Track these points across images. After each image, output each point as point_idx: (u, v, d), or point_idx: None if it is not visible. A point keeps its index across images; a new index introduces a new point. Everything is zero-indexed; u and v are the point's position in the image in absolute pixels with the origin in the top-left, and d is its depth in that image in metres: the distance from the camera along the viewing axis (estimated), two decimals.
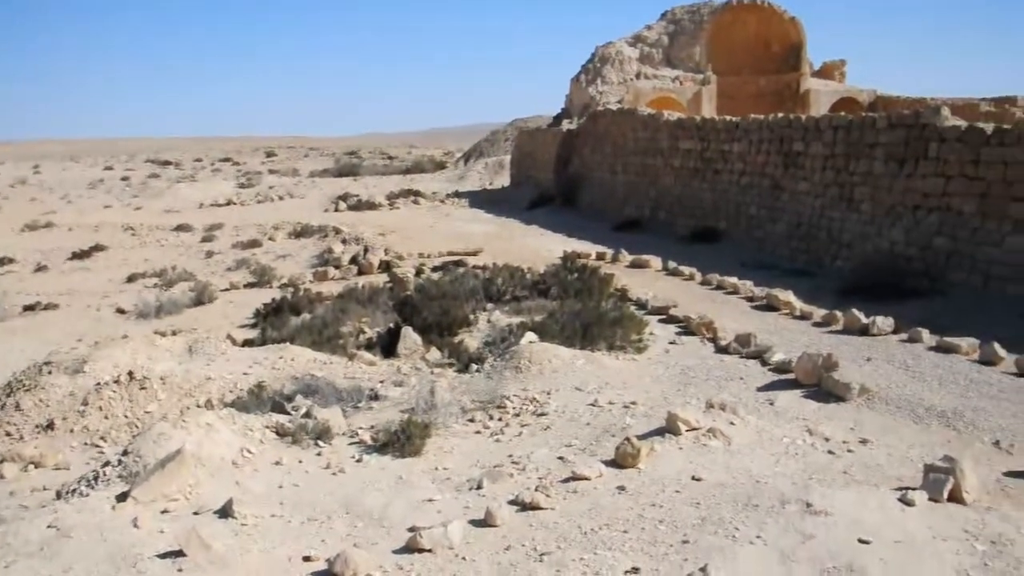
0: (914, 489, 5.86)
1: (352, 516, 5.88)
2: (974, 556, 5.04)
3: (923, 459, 6.50)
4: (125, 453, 6.64)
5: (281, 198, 37.14)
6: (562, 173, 30.37)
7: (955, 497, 5.81)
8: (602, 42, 38.62)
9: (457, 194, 35.45)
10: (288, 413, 8.12)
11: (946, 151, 14.21)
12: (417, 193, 34.63)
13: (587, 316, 10.86)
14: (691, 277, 15.60)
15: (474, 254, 19.28)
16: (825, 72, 39.56)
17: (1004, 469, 6.58)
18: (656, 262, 17.04)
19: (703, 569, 4.51)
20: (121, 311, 16.30)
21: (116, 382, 9.03)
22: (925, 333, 10.48)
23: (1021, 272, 12.51)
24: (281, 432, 7.38)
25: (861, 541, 5.15)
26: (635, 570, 4.95)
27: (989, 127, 13.80)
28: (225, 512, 5.74)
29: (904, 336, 10.63)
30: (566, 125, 33.47)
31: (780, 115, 19.82)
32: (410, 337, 11.30)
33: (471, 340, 11.27)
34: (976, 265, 13.28)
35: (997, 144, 13.33)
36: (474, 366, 10.00)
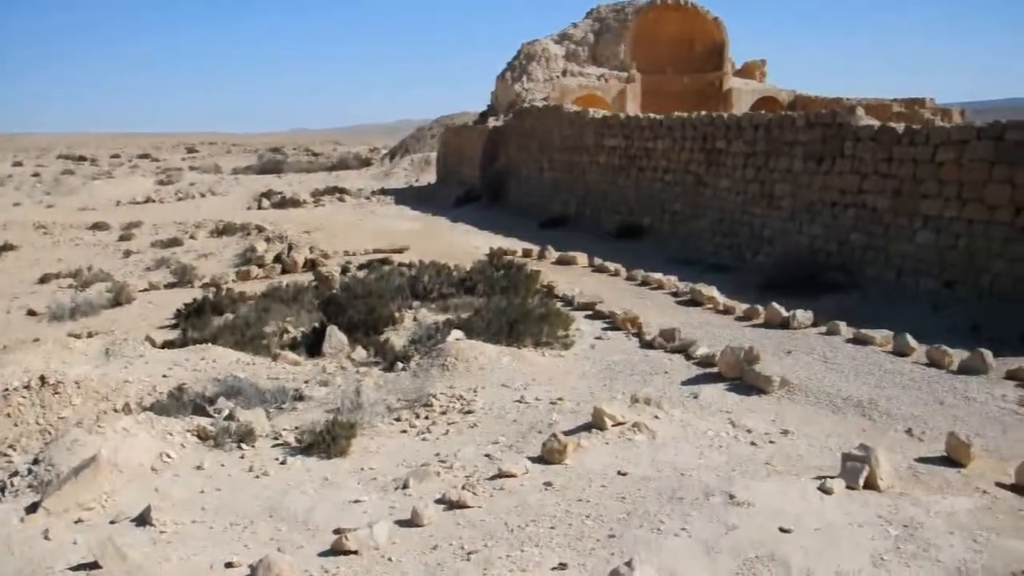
0: (832, 478, 6.02)
1: (276, 520, 5.77)
2: (888, 540, 5.20)
3: (841, 448, 6.67)
4: (36, 462, 6.40)
5: (202, 195, 36.38)
6: (488, 170, 30.39)
7: (871, 484, 5.99)
8: (528, 40, 38.78)
9: (383, 191, 35.20)
10: (210, 416, 7.94)
11: (861, 150, 14.63)
12: (343, 190, 34.29)
13: (513, 313, 10.87)
14: (617, 273, 15.76)
15: (400, 252, 19.15)
16: (746, 71, 40.40)
17: (916, 455, 6.81)
18: (582, 258, 17.18)
19: (628, 563, 4.55)
20: (33, 313, 15.76)
21: (27, 387, 8.68)
22: (843, 326, 10.78)
23: (931, 266, 12.96)
24: (203, 435, 7.21)
25: (782, 530, 5.26)
26: (562, 566, 4.97)
27: (900, 127, 14.24)
28: (143, 520, 5.57)
29: (823, 329, 10.91)
30: (492, 122, 33.49)
31: (703, 113, 20.14)
32: (335, 336, 11.16)
33: (397, 338, 11.19)
34: (890, 260, 13.71)
35: (908, 143, 13.76)
36: (400, 365, 9.93)
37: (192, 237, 23.99)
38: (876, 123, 14.94)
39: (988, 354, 9.12)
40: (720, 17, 38.25)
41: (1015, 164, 11.97)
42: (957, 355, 9.30)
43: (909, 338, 9.86)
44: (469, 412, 8.06)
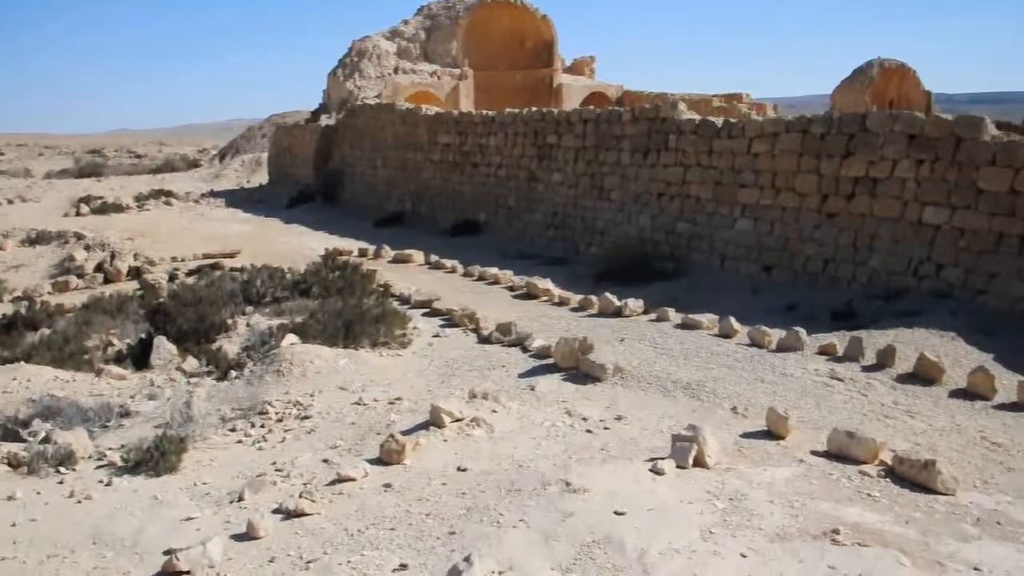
0: (664, 459, 6.28)
1: (100, 546, 5.45)
2: (715, 514, 5.47)
3: (672, 430, 6.95)
4: None
5: (11, 201, 33.77)
6: (322, 169, 29.82)
7: (699, 462, 6.29)
8: (359, 37, 38.30)
9: (213, 193, 33.87)
10: (24, 440, 7.42)
11: (684, 143, 15.29)
12: (169, 193, 32.72)
13: (349, 314, 10.72)
14: (454, 270, 15.83)
15: (232, 256, 18.50)
16: (576, 68, 41.43)
17: (740, 431, 7.21)
18: (419, 256, 17.14)
19: (467, 558, 4.58)
20: None
21: None
22: (671, 312, 11.23)
23: (750, 253, 13.72)
24: (14, 463, 6.72)
25: (617, 513, 5.43)
26: (403, 567, 4.95)
27: (719, 121, 14.99)
28: None
29: (653, 316, 11.33)
30: (325, 120, 32.88)
31: (534, 109, 20.50)
32: (164, 347, 10.67)
33: (230, 346, 10.80)
34: (714, 247, 14.41)
35: (727, 136, 14.50)
36: (234, 373, 9.61)
37: (0, 248, 22.30)
38: (697, 117, 15.67)
39: (802, 332, 9.74)
40: (549, 15, 39.04)
41: (820, 155, 12.83)
42: (776, 334, 9.88)
43: (732, 321, 10.40)
44: (306, 417, 7.90)
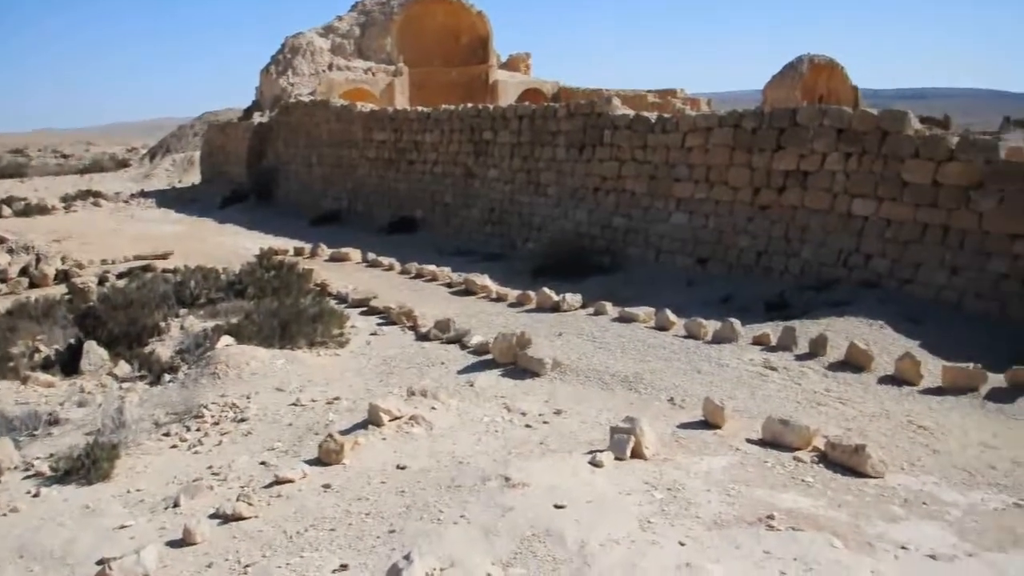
0: (602, 451, 6.32)
1: (28, 559, 5.27)
2: (653, 504, 5.53)
3: (610, 422, 7.00)
4: None
5: None
6: (256, 168, 29.38)
7: (637, 453, 6.35)
8: (292, 33, 37.80)
9: (143, 193, 33.15)
10: None
11: (619, 138, 15.43)
12: (98, 194, 31.92)
13: (285, 314, 10.58)
14: (391, 267, 15.74)
15: (164, 257, 18.09)
16: (512, 64, 41.48)
17: (678, 422, 7.30)
18: (356, 254, 17.00)
19: (407, 556, 4.56)
20: None
21: None
22: (609, 306, 11.33)
23: (685, 246, 13.91)
24: None
25: (557, 506, 5.45)
26: (343, 567, 4.90)
27: (653, 116, 15.16)
28: None
29: (591, 310, 11.41)
30: (258, 118, 32.39)
31: (470, 105, 20.49)
32: (94, 352, 10.40)
33: (163, 349, 10.58)
34: (649, 240, 14.57)
35: (660, 131, 14.67)
36: (167, 377, 9.40)
37: None
38: (631, 112, 15.82)
39: (737, 323, 9.91)
40: (484, 11, 39.01)
41: (752, 149, 13.06)
42: (711, 326, 10.03)
43: (669, 313, 10.52)
44: (243, 420, 7.76)
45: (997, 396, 7.91)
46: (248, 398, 8.25)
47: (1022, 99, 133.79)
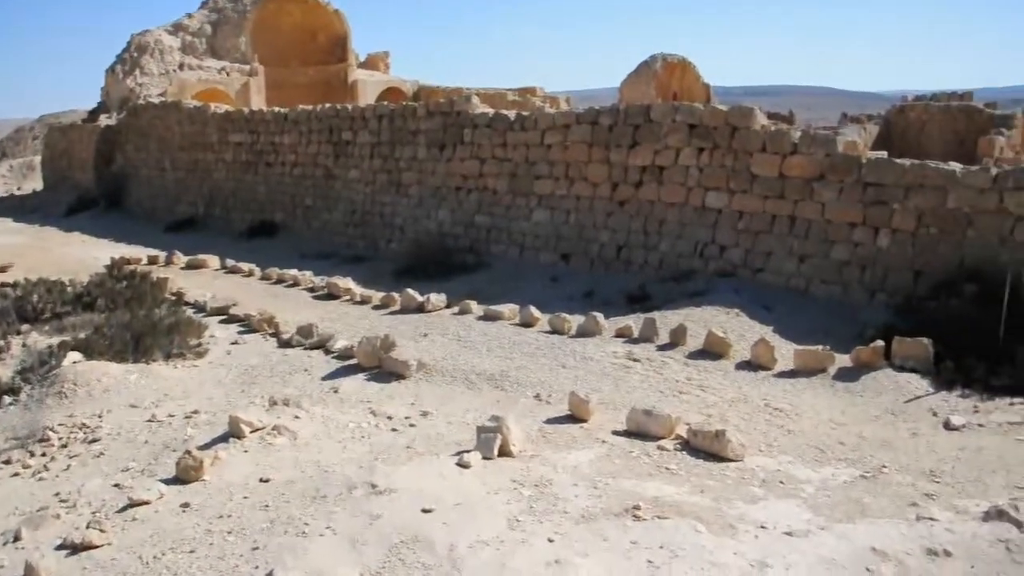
0: (469, 452, 6.26)
1: None
2: (521, 502, 5.51)
3: (477, 422, 6.96)
4: None
5: None
6: (104, 173, 27.91)
7: (505, 452, 6.33)
8: (139, 30, 36.15)
9: None
10: None
11: (479, 136, 15.43)
12: None
13: (139, 326, 10.07)
14: (251, 273, 15.25)
15: (3, 270, 16.95)
16: (371, 63, 40.93)
17: (545, 418, 7.34)
18: (214, 261, 16.39)
19: (270, 574, 4.38)
20: None
21: None
22: (473, 304, 11.31)
23: (547, 242, 14.05)
24: None
25: (425, 511, 5.35)
26: None
27: (512, 114, 15.23)
28: None
29: (456, 309, 11.36)
30: (105, 120, 30.78)
31: (328, 105, 20.06)
32: None
33: (3, 369, 9.88)
34: (512, 238, 14.64)
35: (520, 129, 14.76)
36: (8, 399, 8.77)
37: None
38: (491, 111, 15.84)
39: (600, 317, 10.06)
40: (341, 10, 38.34)
41: (609, 145, 13.30)
42: (575, 320, 10.15)
43: (533, 310, 10.59)
44: (94, 440, 7.32)
45: (844, 375, 8.31)
46: (100, 417, 7.80)
47: (858, 96, 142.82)
